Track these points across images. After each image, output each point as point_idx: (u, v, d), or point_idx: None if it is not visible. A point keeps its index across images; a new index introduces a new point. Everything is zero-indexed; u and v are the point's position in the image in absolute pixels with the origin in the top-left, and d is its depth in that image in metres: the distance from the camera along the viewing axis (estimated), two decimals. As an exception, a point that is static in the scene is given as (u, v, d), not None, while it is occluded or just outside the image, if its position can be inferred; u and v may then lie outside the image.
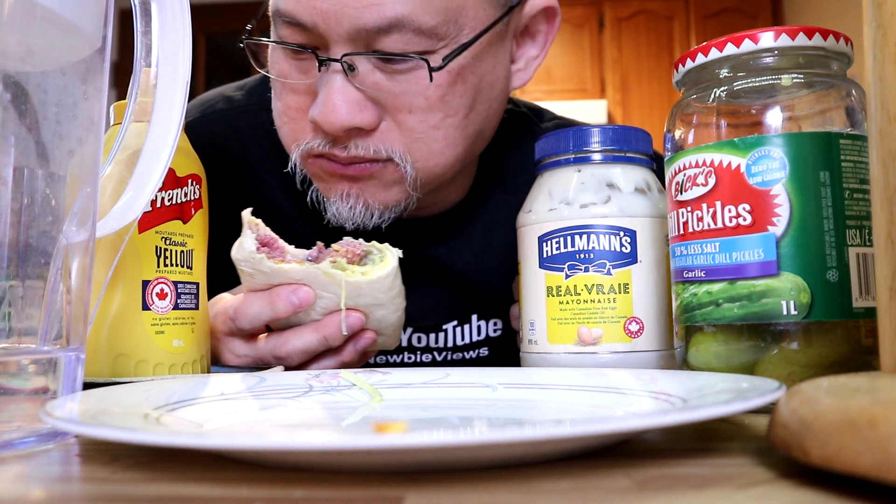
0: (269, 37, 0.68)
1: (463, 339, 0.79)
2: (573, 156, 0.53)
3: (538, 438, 0.23)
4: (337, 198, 0.66)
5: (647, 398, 0.36)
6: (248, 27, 0.68)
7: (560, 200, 0.53)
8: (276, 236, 0.55)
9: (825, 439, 0.22)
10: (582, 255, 0.51)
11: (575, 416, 0.35)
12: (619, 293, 0.50)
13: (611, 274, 0.50)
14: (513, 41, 0.70)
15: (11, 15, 0.31)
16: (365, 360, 0.61)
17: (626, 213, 0.51)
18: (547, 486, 0.23)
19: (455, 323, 0.79)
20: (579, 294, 0.51)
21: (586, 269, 0.51)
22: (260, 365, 0.58)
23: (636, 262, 0.50)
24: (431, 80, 0.61)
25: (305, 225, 0.77)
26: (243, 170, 0.79)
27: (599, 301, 0.50)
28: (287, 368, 0.57)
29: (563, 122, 0.88)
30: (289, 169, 0.68)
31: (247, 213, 0.55)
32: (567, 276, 0.51)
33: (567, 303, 0.51)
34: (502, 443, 0.23)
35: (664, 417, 0.24)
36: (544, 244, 0.53)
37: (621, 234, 0.51)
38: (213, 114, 0.81)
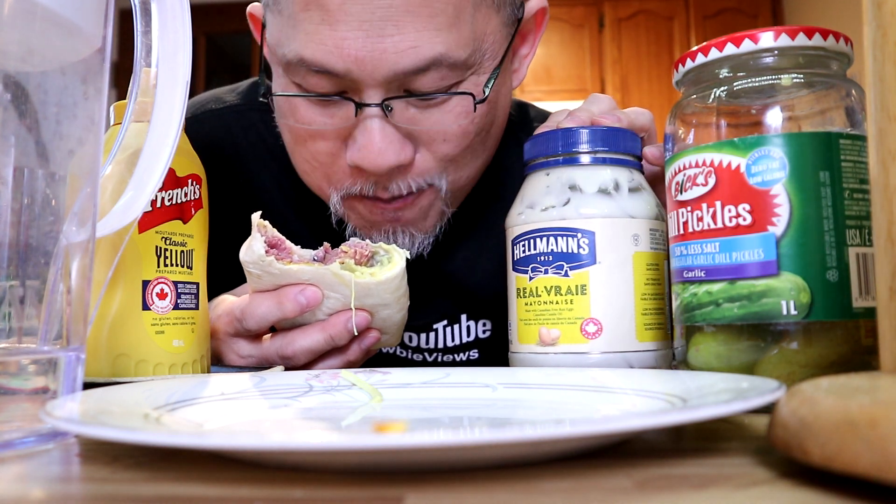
0: (274, 79, 0.66)
1: (453, 339, 0.79)
2: (543, 160, 0.54)
3: (538, 438, 0.23)
4: (379, 234, 0.69)
5: (646, 398, 0.36)
6: (261, 72, 0.67)
7: (528, 205, 0.54)
8: (283, 237, 0.56)
9: (825, 439, 0.22)
10: (542, 258, 0.52)
11: (575, 416, 0.35)
12: (576, 294, 0.50)
13: (568, 276, 0.51)
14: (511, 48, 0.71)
15: (11, 15, 0.31)
16: (367, 359, 0.61)
17: (583, 215, 0.51)
18: (547, 486, 0.23)
19: (445, 323, 0.79)
20: (539, 296, 0.52)
21: (545, 272, 0.51)
22: (264, 365, 0.58)
23: (595, 263, 0.50)
24: (475, 110, 0.62)
25: (300, 224, 0.78)
26: (236, 168, 0.79)
27: (557, 302, 0.51)
28: (292, 368, 0.57)
29: (545, 117, 0.88)
30: (332, 209, 0.69)
31: (256, 216, 0.55)
32: (530, 279, 0.52)
33: (530, 304, 0.52)
34: (502, 443, 0.23)
35: (664, 417, 0.24)
36: (515, 247, 0.54)
37: (578, 235, 0.51)
38: (204, 114, 0.81)
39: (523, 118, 0.88)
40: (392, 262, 0.56)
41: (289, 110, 0.65)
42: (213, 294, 0.64)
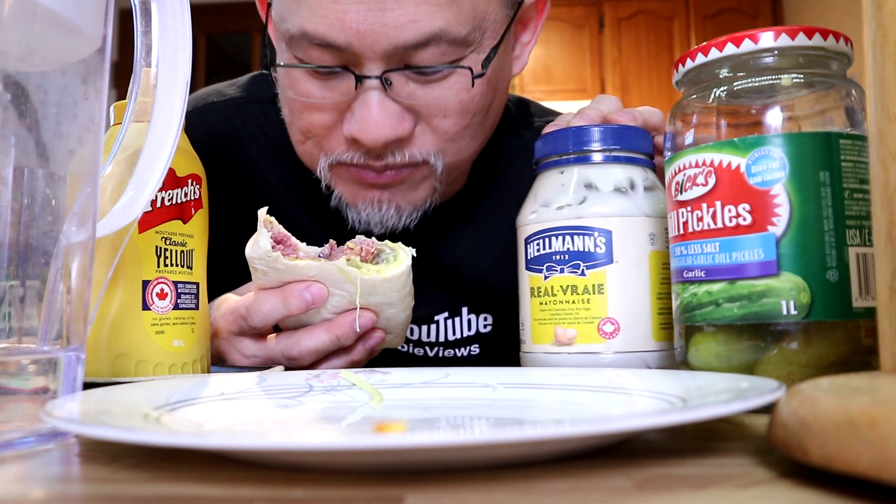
0: (275, 54, 0.67)
1: (454, 333, 0.79)
2: (556, 158, 0.54)
3: (538, 438, 0.23)
4: (366, 203, 0.68)
5: (647, 398, 0.36)
6: (263, 48, 0.67)
7: (542, 203, 0.53)
8: (290, 234, 0.56)
9: (825, 439, 0.22)
10: (558, 257, 0.51)
11: (575, 416, 0.35)
12: (594, 294, 0.50)
13: (584, 275, 0.50)
14: (512, 32, 0.71)
15: (11, 15, 0.31)
16: (370, 359, 0.61)
17: (600, 214, 0.51)
18: (547, 486, 0.23)
19: (446, 315, 0.79)
20: (555, 295, 0.51)
21: (562, 271, 0.51)
22: (268, 365, 0.58)
23: (612, 262, 0.50)
24: (473, 85, 0.63)
25: (303, 214, 0.78)
26: (238, 160, 0.80)
27: (573, 302, 0.51)
28: (296, 368, 0.57)
29: (552, 117, 0.89)
30: (317, 174, 0.69)
31: (262, 212, 0.55)
32: (546, 278, 0.52)
33: (546, 303, 0.52)
34: (502, 443, 0.23)
35: (664, 417, 0.24)
36: (528, 246, 0.54)
37: (595, 234, 0.50)
38: (206, 106, 0.82)
39: (523, 112, 0.89)
40: (398, 260, 0.56)
41: (289, 84, 0.66)
42: (215, 292, 0.64)
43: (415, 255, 0.57)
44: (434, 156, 0.66)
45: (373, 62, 0.61)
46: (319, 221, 0.77)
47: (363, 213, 0.69)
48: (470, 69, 0.62)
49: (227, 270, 0.68)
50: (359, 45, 0.59)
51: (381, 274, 0.55)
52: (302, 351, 0.56)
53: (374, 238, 0.58)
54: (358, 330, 0.56)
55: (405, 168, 0.66)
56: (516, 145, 0.82)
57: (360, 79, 0.61)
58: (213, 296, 0.64)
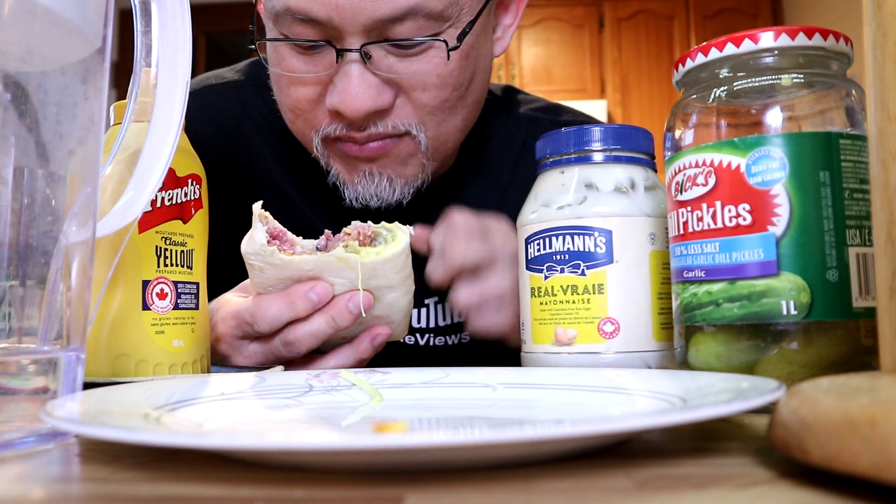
0: (265, 35, 0.69)
1: (444, 318, 0.79)
2: (557, 158, 0.54)
3: (538, 438, 0.23)
4: (360, 177, 0.70)
5: (647, 398, 0.36)
6: (251, 27, 0.69)
7: (542, 203, 0.54)
8: (286, 229, 0.55)
9: (825, 439, 0.22)
10: (558, 257, 0.51)
11: (575, 416, 0.35)
12: (594, 293, 0.50)
13: (584, 275, 0.50)
14: (492, 12, 0.74)
15: (11, 15, 0.31)
16: (374, 354, 0.61)
17: (600, 214, 0.51)
18: (547, 486, 0.23)
19: (436, 298, 0.80)
20: (555, 295, 0.51)
21: (562, 271, 0.51)
22: (271, 359, 0.58)
23: (612, 262, 0.50)
24: (449, 58, 0.65)
25: (299, 195, 0.79)
26: (237, 141, 0.82)
27: (574, 302, 0.51)
28: (296, 359, 0.57)
29: (541, 107, 0.91)
30: (314, 153, 0.71)
31: (257, 207, 0.54)
32: (546, 278, 0.52)
33: (546, 303, 0.52)
34: (502, 443, 0.23)
35: (664, 417, 0.24)
36: (528, 246, 0.54)
37: (596, 234, 0.50)
38: (205, 89, 0.84)
39: (509, 99, 0.90)
40: (396, 240, 0.55)
41: (276, 60, 0.68)
42: (215, 288, 0.64)
43: (413, 232, 0.56)
44: (416, 127, 0.68)
45: (353, 36, 0.63)
46: (317, 203, 0.78)
47: (358, 187, 0.71)
48: (445, 42, 0.64)
49: (227, 260, 0.68)
50: (338, 19, 0.62)
51: (381, 255, 0.54)
52: (299, 335, 0.56)
53: (370, 221, 0.57)
54: (362, 314, 0.55)
55: (389, 139, 0.68)
56: (499, 130, 0.84)
57: (340, 52, 0.63)
58: (213, 294, 0.64)
